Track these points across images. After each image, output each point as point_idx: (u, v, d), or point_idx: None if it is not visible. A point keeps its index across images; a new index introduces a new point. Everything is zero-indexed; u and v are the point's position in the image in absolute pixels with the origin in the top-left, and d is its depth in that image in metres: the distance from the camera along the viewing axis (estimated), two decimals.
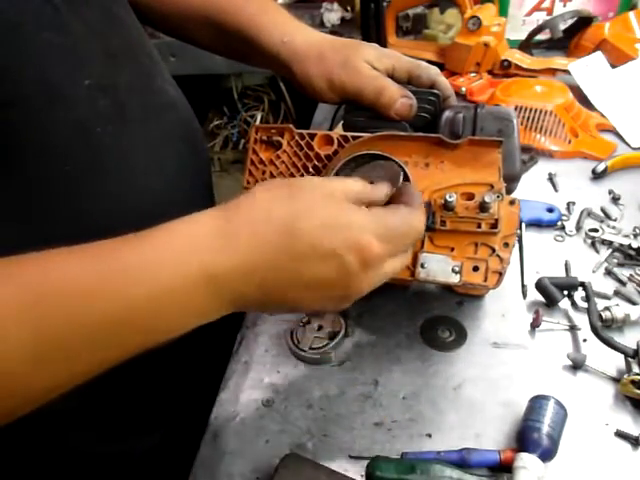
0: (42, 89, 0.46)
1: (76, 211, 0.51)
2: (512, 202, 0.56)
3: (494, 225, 0.54)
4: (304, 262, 0.43)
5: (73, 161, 0.50)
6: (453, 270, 0.54)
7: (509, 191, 0.60)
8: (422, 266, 0.55)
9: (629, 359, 0.57)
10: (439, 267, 0.55)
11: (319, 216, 0.43)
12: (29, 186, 0.48)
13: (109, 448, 0.65)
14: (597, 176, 0.85)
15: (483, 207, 0.54)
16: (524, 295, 0.68)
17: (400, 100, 0.61)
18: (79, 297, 0.37)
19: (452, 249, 0.55)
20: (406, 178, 0.55)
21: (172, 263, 0.40)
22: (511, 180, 0.60)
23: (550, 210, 0.78)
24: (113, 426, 0.65)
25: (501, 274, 0.54)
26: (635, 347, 0.57)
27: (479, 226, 0.54)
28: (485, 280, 0.54)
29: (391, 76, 0.63)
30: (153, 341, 0.41)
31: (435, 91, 0.64)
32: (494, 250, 0.54)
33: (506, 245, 0.55)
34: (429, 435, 0.55)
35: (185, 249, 0.40)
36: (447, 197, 0.54)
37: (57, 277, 0.37)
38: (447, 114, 0.63)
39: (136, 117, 0.56)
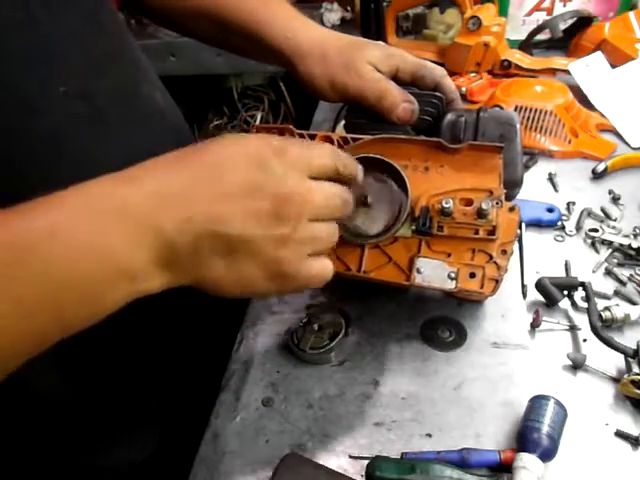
0: (11, 97, 0.45)
1: None
2: (512, 209, 0.55)
3: (492, 232, 0.53)
4: (220, 168, 0.41)
5: (44, 171, 0.48)
6: (449, 276, 0.54)
7: (511, 197, 0.60)
8: (418, 271, 0.55)
9: (629, 359, 0.57)
10: (435, 273, 0.54)
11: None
12: None
13: (111, 449, 0.65)
14: (597, 176, 0.85)
15: (481, 213, 0.53)
16: (524, 295, 0.68)
17: (402, 105, 0.60)
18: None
19: (449, 255, 0.55)
20: (403, 182, 0.55)
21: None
22: (513, 186, 0.59)
23: (550, 210, 0.78)
24: (115, 427, 0.65)
25: (497, 282, 0.54)
26: (635, 347, 0.57)
27: (477, 232, 0.54)
28: (481, 287, 0.54)
29: (395, 77, 0.63)
30: (86, 315, 0.38)
31: (438, 94, 0.63)
32: (491, 257, 0.54)
33: (504, 252, 0.54)
34: (429, 435, 0.55)
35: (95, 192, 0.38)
36: (443, 203, 0.53)
37: None
38: (449, 117, 0.62)
39: (117, 125, 0.55)
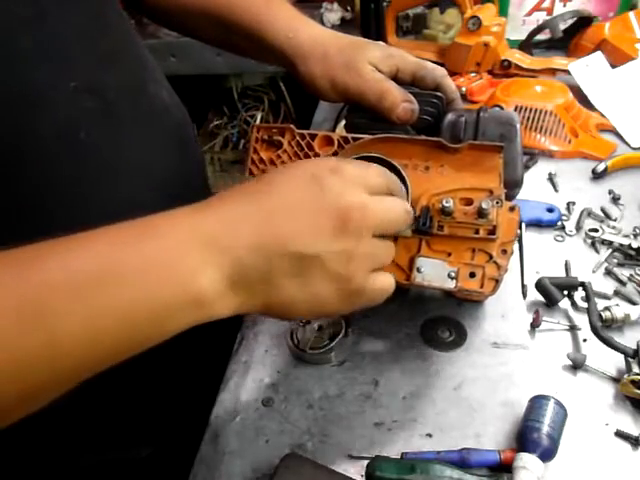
0: (21, 92, 0.46)
1: (56, 222, 0.49)
2: (512, 208, 0.55)
3: (492, 232, 0.53)
4: (281, 192, 0.43)
5: (55, 168, 0.49)
6: (449, 275, 0.54)
7: (511, 197, 0.60)
8: (418, 270, 0.55)
9: (629, 359, 0.57)
10: (435, 272, 0.54)
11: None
12: (5, 195, 0.47)
13: (110, 449, 0.65)
14: (597, 176, 0.85)
15: (481, 213, 0.53)
16: (524, 295, 0.68)
17: (402, 105, 0.60)
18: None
19: (449, 254, 0.55)
20: (403, 181, 0.55)
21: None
22: (513, 186, 0.59)
23: (550, 210, 0.78)
24: (115, 426, 0.65)
25: (497, 281, 0.53)
26: (635, 347, 0.57)
27: (477, 232, 0.54)
28: (481, 287, 0.53)
29: (395, 77, 0.63)
30: (153, 340, 0.39)
31: (438, 94, 0.63)
32: (491, 257, 0.54)
33: (504, 252, 0.54)
34: (429, 435, 0.55)
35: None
36: (444, 202, 0.53)
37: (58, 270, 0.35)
38: (449, 117, 0.62)
39: (125, 121, 0.55)
